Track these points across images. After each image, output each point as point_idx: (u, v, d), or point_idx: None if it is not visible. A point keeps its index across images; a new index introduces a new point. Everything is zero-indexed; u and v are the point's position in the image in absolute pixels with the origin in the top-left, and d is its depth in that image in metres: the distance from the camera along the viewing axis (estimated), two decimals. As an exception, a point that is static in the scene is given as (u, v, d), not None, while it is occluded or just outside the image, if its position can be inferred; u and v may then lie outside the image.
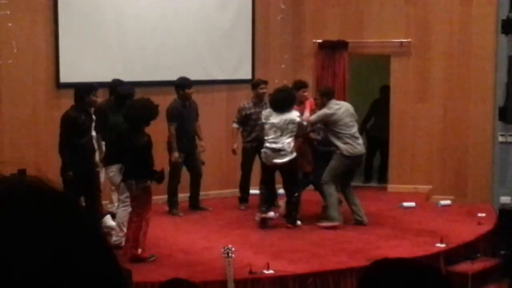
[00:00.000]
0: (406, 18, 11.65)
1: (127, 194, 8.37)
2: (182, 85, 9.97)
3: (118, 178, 8.36)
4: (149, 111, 8.05)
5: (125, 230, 8.33)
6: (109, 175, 8.46)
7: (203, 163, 10.39)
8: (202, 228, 9.49)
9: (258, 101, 10.18)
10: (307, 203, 10.08)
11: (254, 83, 10.40)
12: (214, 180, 11.09)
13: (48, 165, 10.11)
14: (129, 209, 8.41)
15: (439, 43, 11.50)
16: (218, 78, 11.14)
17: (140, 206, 8.04)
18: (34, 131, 10.06)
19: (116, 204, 8.93)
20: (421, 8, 11.57)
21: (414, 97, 11.71)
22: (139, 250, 8.01)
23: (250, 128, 10.11)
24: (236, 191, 10.73)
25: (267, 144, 9.21)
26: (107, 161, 8.50)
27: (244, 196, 10.52)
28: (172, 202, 10.11)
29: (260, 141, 9.66)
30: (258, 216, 9.51)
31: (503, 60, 11.10)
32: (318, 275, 7.79)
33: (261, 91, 10.19)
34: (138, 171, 7.95)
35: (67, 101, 9.49)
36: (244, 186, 10.51)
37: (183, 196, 10.38)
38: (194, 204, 10.45)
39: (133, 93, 8.83)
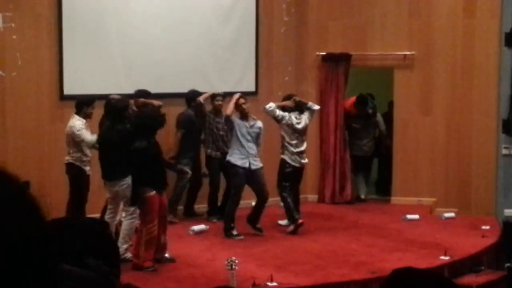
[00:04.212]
0: (410, 31, 11.67)
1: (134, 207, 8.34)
2: (193, 97, 10.42)
3: (129, 191, 8.31)
4: (157, 120, 8.09)
5: (130, 242, 8.31)
6: (120, 188, 8.39)
7: (204, 174, 10.53)
8: (205, 240, 9.48)
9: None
10: (310, 215, 10.08)
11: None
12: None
13: (51, 176, 10.13)
14: (136, 221, 8.39)
15: (443, 56, 11.51)
16: (221, 90, 11.13)
17: (146, 214, 8.01)
18: (38, 143, 10.07)
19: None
20: (424, 21, 11.59)
21: (418, 109, 11.71)
22: (141, 260, 8.00)
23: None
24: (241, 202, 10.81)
25: None
26: (118, 174, 8.41)
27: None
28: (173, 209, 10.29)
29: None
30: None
31: (506, 73, 11.11)
32: (321, 287, 7.77)
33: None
34: (145, 178, 7.93)
35: (71, 113, 9.51)
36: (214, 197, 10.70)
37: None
38: (190, 212, 10.72)
39: (128, 105, 8.82)
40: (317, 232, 9.93)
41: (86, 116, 9.14)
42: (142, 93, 9.93)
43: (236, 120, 9.52)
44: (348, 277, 7.94)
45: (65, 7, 10.07)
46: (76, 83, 10.15)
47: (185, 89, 10.71)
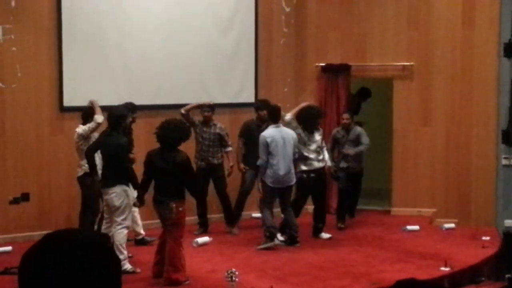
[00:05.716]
0: (409, 42, 11.69)
1: (124, 216, 8.32)
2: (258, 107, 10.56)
3: (118, 200, 8.30)
4: (185, 131, 8.09)
5: (125, 252, 8.26)
6: (109, 196, 8.37)
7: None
8: (205, 252, 9.46)
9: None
10: (310, 226, 10.06)
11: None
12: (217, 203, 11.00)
13: (51, 187, 10.13)
14: (126, 231, 8.37)
15: (442, 67, 11.53)
16: (221, 101, 11.15)
17: (178, 228, 7.90)
18: (37, 154, 10.07)
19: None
20: (423, 31, 11.61)
21: (417, 120, 11.71)
22: (180, 274, 7.94)
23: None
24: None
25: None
26: (109, 183, 8.41)
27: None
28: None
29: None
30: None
31: (506, 83, 11.12)
32: (321, 299, 7.75)
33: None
34: (178, 191, 7.86)
35: (71, 124, 9.53)
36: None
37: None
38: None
39: (125, 114, 8.78)
40: (317, 243, 9.92)
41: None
42: (128, 106, 9.57)
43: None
44: (348, 288, 7.93)
45: (65, 19, 10.10)
46: (76, 94, 10.15)
47: (185, 100, 10.70)
